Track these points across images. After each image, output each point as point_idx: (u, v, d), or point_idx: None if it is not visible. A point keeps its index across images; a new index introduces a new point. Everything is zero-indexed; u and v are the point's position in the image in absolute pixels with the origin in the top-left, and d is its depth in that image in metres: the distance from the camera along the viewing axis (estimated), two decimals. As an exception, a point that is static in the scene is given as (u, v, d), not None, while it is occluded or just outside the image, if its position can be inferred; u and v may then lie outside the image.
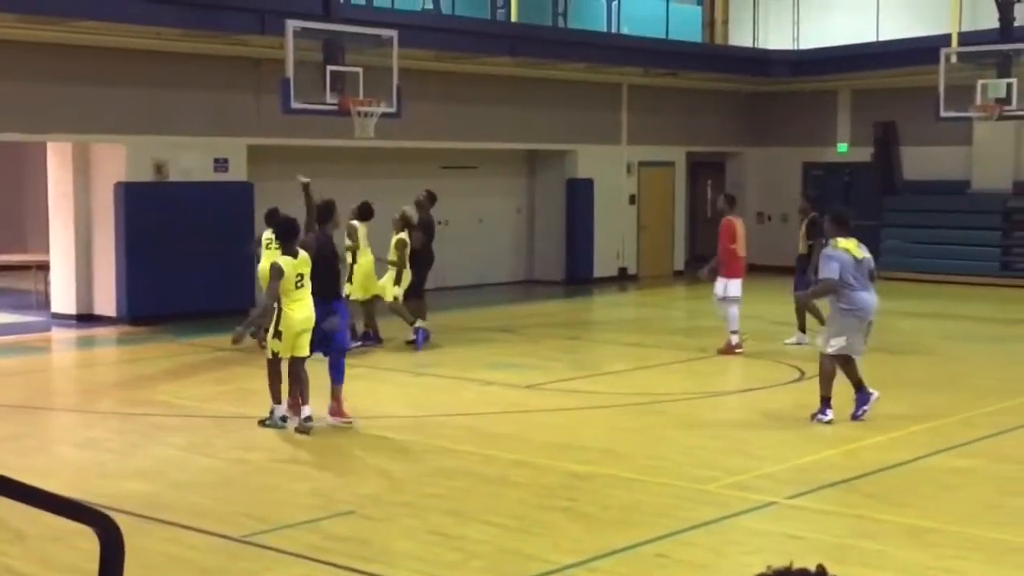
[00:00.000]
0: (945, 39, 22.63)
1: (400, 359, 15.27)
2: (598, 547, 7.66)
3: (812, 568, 1.85)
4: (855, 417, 11.48)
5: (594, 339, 18.35)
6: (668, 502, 8.77)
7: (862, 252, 11.64)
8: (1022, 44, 21.44)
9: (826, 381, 11.55)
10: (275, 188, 20.80)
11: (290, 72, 16.22)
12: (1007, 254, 25.20)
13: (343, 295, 12.40)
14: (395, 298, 16.07)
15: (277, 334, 10.97)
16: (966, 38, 22.54)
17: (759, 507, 8.64)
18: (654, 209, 26.85)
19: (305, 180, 12.32)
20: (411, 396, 13.24)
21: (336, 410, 11.31)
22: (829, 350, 11.56)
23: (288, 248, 11.04)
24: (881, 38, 26.23)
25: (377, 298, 16.17)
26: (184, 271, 18.78)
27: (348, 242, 15.80)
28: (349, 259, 15.65)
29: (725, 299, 16.01)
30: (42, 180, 20.10)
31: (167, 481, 9.38)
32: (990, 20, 22.57)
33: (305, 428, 10.92)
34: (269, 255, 15.55)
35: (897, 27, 25.91)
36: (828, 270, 11.46)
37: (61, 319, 18.89)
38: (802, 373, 14.38)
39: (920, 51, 23.14)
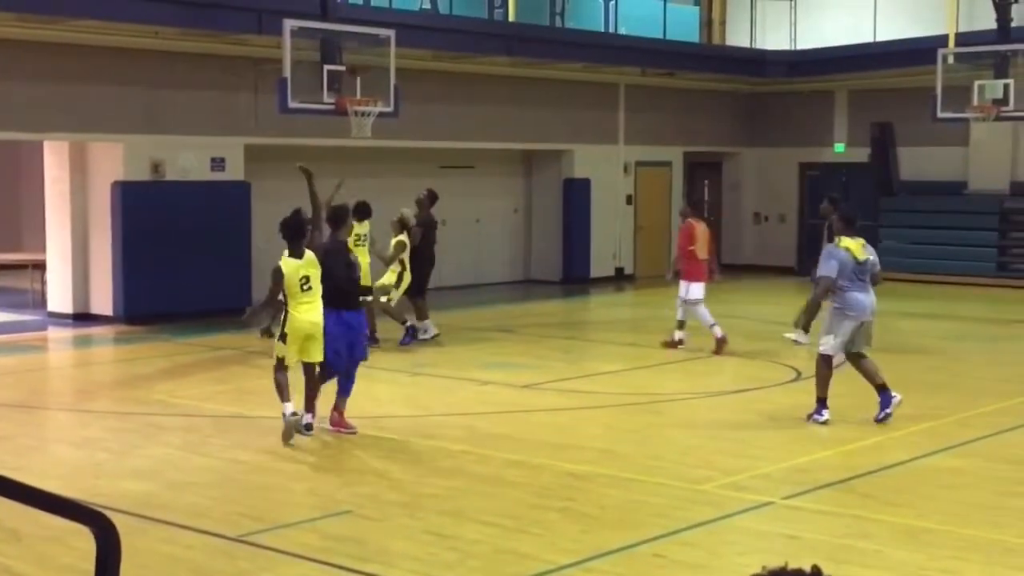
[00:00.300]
0: (942, 40, 22.66)
1: (397, 359, 15.27)
2: (595, 547, 7.66)
3: (807, 568, 1.85)
4: (877, 420, 11.39)
5: (591, 339, 18.35)
6: (665, 502, 8.78)
7: (866, 253, 11.57)
8: (1019, 45, 21.45)
9: (822, 382, 11.54)
10: (272, 188, 20.82)
11: (287, 72, 16.22)
12: (1003, 255, 25.23)
13: (355, 307, 11.50)
14: (389, 299, 16.05)
15: (283, 337, 10.63)
16: (963, 39, 22.57)
17: (756, 507, 8.64)
18: (651, 209, 26.86)
19: (306, 168, 11.60)
20: (408, 396, 13.24)
21: (338, 420, 11.00)
22: (820, 350, 11.59)
23: (294, 249, 10.65)
24: (878, 39, 26.24)
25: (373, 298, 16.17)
26: (181, 270, 18.77)
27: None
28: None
29: (686, 302, 16.20)
30: (39, 179, 20.09)
31: (164, 481, 9.37)
32: (987, 21, 22.58)
33: (296, 425, 10.51)
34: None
35: (894, 28, 25.92)
36: (826, 268, 11.44)
37: (57, 318, 18.88)
38: (798, 373, 14.39)
39: (917, 52, 23.16)
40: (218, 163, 19.52)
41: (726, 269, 28.64)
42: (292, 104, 16.39)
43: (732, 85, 27.96)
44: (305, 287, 10.55)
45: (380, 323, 16.36)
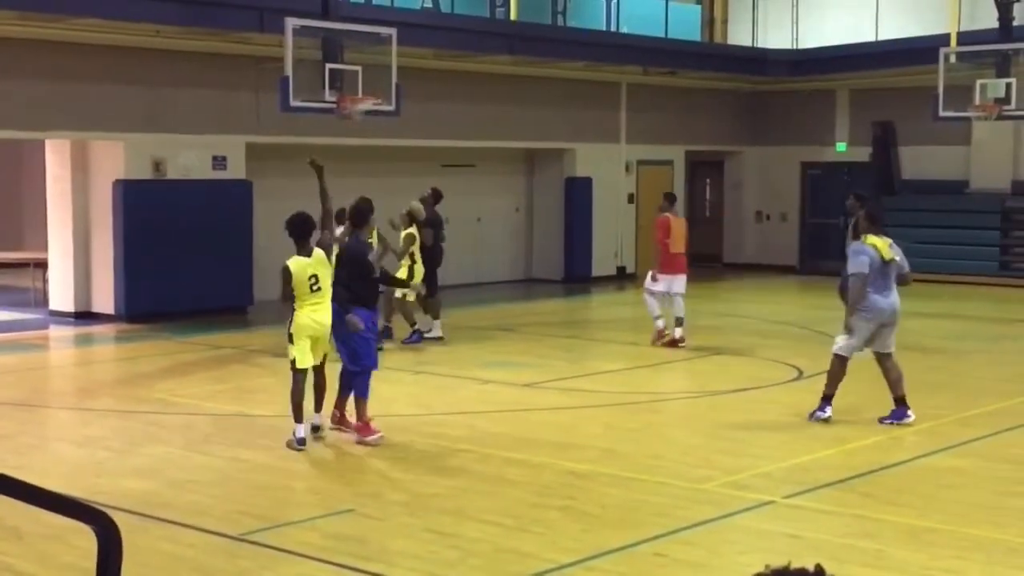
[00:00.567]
0: (944, 39, 22.64)
1: (398, 358, 15.26)
2: (596, 546, 7.66)
3: (810, 568, 1.85)
4: (881, 421, 11.35)
5: (592, 338, 18.34)
6: (666, 501, 8.77)
7: (892, 253, 11.32)
8: (1021, 44, 21.44)
9: (833, 379, 11.41)
10: (274, 186, 20.84)
11: (289, 70, 16.23)
12: (1005, 254, 25.22)
13: (373, 308, 11.16)
14: (403, 296, 16.04)
15: (290, 338, 10.37)
16: (965, 38, 22.55)
17: (757, 506, 8.64)
18: (653, 208, 26.77)
19: (317, 163, 11.19)
20: (409, 395, 13.23)
21: (340, 419, 10.89)
22: (834, 349, 11.45)
23: (301, 247, 10.39)
24: (880, 38, 26.24)
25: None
26: (182, 269, 18.77)
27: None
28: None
29: (668, 294, 16.44)
30: (40, 177, 20.10)
31: (165, 479, 9.37)
32: (989, 20, 22.57)
33: (301, 441, 10.24)
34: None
35: (896, 27, 25.91)
36: (857, 264, 11.20)
37: (59, 317, 18.89)
38: (800, 372, 14.38)
39: (919, 51, 23.16)
40: (219, 162, 19.52)
41: (728, 268, 28.76)
42: (294, 103, 16.39)
43: (734, 84, 27.96)
44: (314, 287, 10.26)
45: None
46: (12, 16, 16.68)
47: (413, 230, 16.03)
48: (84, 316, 18.76)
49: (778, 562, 1.88)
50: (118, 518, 2.40)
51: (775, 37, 28.32)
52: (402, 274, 15.65)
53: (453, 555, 7.51)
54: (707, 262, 29.14)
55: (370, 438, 10.47)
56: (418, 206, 16.38)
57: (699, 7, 28.50)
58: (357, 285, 10.65)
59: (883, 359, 11.49)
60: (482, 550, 7.63)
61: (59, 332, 18.07)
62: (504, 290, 24.12)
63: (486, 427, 11.32)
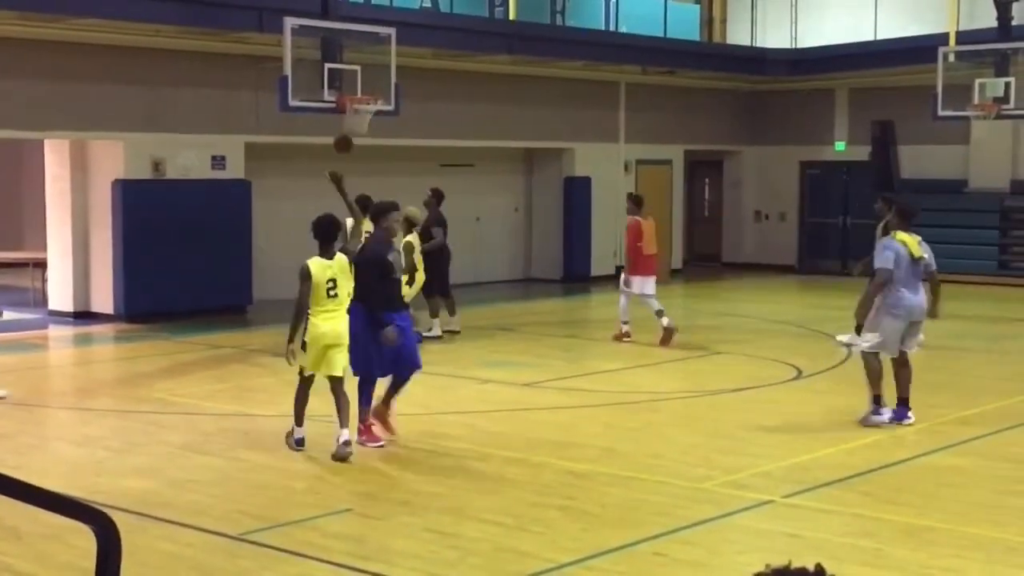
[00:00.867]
0: (943, 38, 22.65)
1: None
2: (596, 545, 7.66)
3: (810, 567, 1.85)
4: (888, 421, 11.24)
5: (591, 337, 18.33)
6: (666, 500, 8.77)
7: (921, 251, 11.13)
8: (1020, 43, 21.44)
9: (875, 379, 11.18)
10: (273, 186, 20.85)
11: (288, 70, 16.23)
12: (1004, 253, 25.22)
13: (401, 308, 10.69)
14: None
15: (303, 345, 10.00)
16: (964, 37, 22.56)
17: (756, 505, 8.64)
18: (651, 208, 26.72)
19: (335, 174, 10.75)
20: (408, 394, 13.21)
21: (370, 428, 10.51)
22: (864, 347, 11.22)
23: (324, 250, 10.04)
24: (879, 37, 26.24)
25: None
26: (182, 269, 18.77)
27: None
28: None
29: (642, 295, 16.66)
30: (39, 177, 20.10)
31: (165, 479, 9.37)
32: (988, 19, 22.57)
33: (343, 454, 9.83)
34: None
35: (895, 26, 25.92)
36: (883, 259, 11.02)
37: (58, 316, 18.89)
38: (799, 371, 14.38)
39: (918, 50, 23.16)
40: (219, 161, 19.52)
41: (727, 267, 28.77)
42: (293, 102, 16.39)
43: (733, 83, 27.96)
44: (331, 292, 9.90)
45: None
46: (12, 16, 16.68)
47: (412, 237, 15.82)
48: (83, 316, 18.76)
49: (778, 561, 1.88)
50: (117, 518, 2.40)
51: (774, 36, 28.33)
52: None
53: (453, 555, 7.51)
54: (706, 262, 29.17)
55: (371, 444, 10.39)
56: (415, 211, 16.34)
57: (698, 7, 28.51)
58: (379, 287, 10.29)
59: (899, 361, 11.34)
60: (482, 549, 7.63)
61: (58, 332, 18.07)
62: (503, 290, 24.12)
63: (485, 426, 11.32)
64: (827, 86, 27.45)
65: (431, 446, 10.47)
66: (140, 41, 18.29)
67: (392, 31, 17.41)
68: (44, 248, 19.75)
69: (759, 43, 28.34)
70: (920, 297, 11.25)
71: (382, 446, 10.33)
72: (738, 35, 28.90)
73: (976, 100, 21.41)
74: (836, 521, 8.29)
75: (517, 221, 25.72)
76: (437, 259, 16.48)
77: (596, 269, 25.55)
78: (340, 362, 10.02)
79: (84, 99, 18.03)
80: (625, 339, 16.68)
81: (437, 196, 17.21)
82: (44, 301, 19.68)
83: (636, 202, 17.25)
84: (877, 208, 16.39)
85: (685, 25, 26.99)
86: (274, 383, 13.84)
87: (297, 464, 9.93)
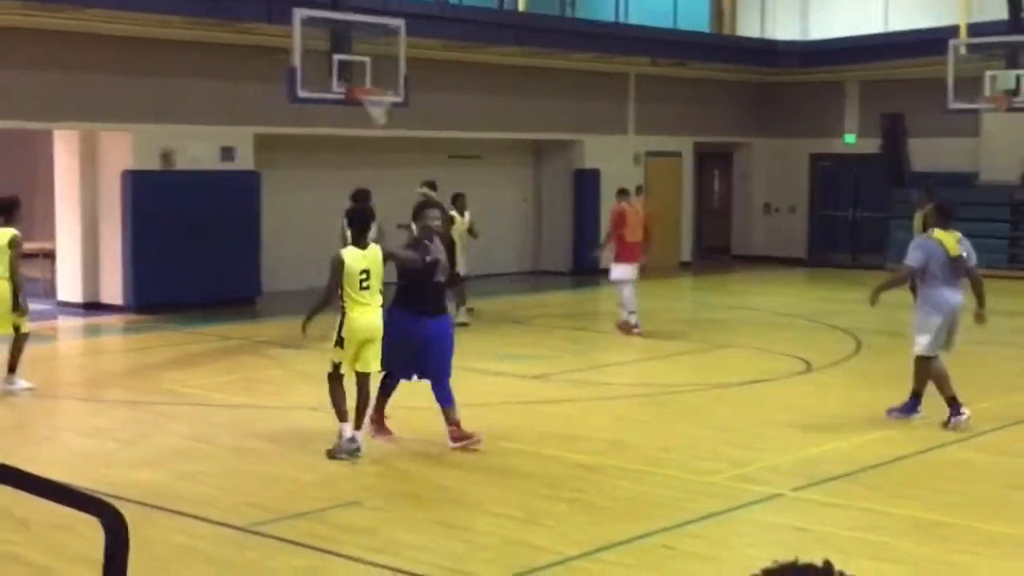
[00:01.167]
0: (953, 30, 22.56)
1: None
2: (605, 538, 7.66)
3: (818, 562, 1.84)
4: (890, 413, 11.16)
5: (601, 330, 18.31)
6: (674, 494, 8.77)
7: (960, 249, 10.95)
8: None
9: (939, 382, 10.95)
10: (282, 177, 20.86)
11: (297, 61, 16.21)
12: (1015, 246, 25.14)
13: (439, 312, 10.27)
14: None
15: (339, 341, 9.69)
16: (974, 29, 22.47)
17: (765, 499, 8.63)
18: (661, 200, 26.75)
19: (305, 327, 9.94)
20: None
21: (457, 434, 10.05)
22: (919, 351, 11.02)
23: (358, 240, 9.78)
24: (889, 29, 26.16)
25: None
26: (191, 260, 18.79)
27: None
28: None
29: (616, 282, 16.87)
30: (49, 168, 20.11)
31: (173, 470, 9.38)
32: (999, 11, 22.47)
33: (349, 450, 9.63)
34: None
35: (905, 18, 25.84)
36: (910, 258, 10.89)
37: (67, 307, 18.92)
38: (808, 365, 14.36)
39: (928, 42, 23.08)
40: (228, 153, 19.53)
41: (736, 260, 28.73)
42: (302, 94, 16.38)
43: (743, 75, 27.90)
44: (364, 284, 9.60)
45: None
46: (20, 6, 16.70)
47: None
48: (92, 307, 18.79)
49: (786, 556, 1.87)
50: (126, 509, 2.39)
51: (784, 28, 28.26)
52: None
53: (462, 547, 7.51)
54: (716, 254, 29.13)
55: (380, 438, 10.27)
56: (431, 194, 16.26)
57: (708, -2, 28.45)
58: (416, 290, 10.01)
59: (928, 364, 11.08)
60: (491, 542, 7.63)
61: (67, 323, 18.10)
62: (512, 282, 24.10)
63: (495, 419, 11.30)
64: (837, 78, 27.38)
65: (440, 439, 10.46)
66: (149, 32, 18.30)
67: (401, 22, 17.39)
68: (53, 239, 19.78)
69: (769, 35, 28.28)
70: (959, 296, 11.01)
71: (395, 441, 10.25)
72: (748, 27, 28.83)
73: (987, 93, 21.33)
74: (844, 515, 8.27)
75: (526, 213, 25.69)
76: (449, 250, 16.43)
77: (605, 262, 25.44)
78: (373, 358, 9.77)
79: (93, 90, 18.04)
80: (634, 331, 16.58)
81: (432, 187, 17.17)
82: (53, 292, 19.70)
83: (620, 192, 17.56)
84: (916, 199, 16.29)
85: (695, 17, 26.95)
86: (283, 375, 13.86)
87: (306, 456, 9.93)
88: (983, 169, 25.60)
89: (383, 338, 9.88)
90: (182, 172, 18.92)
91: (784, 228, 28.68)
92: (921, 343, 10.98)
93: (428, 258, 10.01)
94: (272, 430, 10.84)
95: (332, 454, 9.68)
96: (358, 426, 9.81)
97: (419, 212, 10.43)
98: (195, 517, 8.11)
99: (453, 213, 17.64)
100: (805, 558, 1.85)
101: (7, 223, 12.49)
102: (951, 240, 10.97)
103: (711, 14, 28.52)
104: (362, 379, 9.80)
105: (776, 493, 8.76)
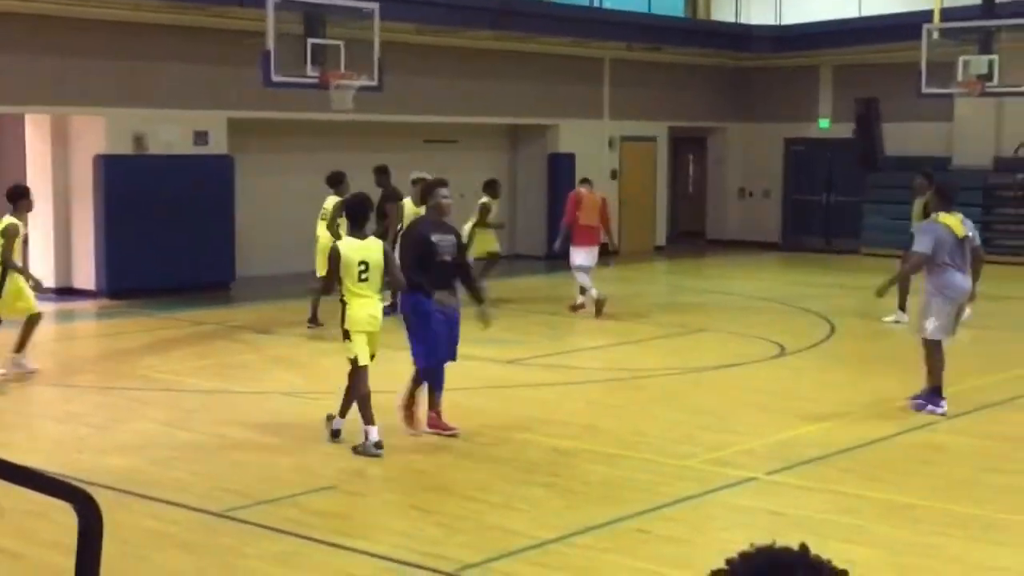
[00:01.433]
0: (927, 15, 22.62)
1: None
2: (580, 522, 7.67)
3: (795, 546, 1.84)
4: (913, 400, 10.95)
5: (575, 314, 18.33)
6: (649, 478, 8.79)
7: (966, 230, 10.89)
8: (1004, 20, 21.44)
9: (937, 369, 10.80)
10: (257, 162, 20.77)
11: (271, 45, 16.13)
12: (987, 230, 25.20)
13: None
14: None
15: (345, 334, 9.48)
16: (948, 14, 22.53)
17: (739, 483, 8.66)
18: (636, 184, 26.84)
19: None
20: (391, 372, 13.19)
21: (435, 422, 10.01)
22: (925, 335, 10.85)
23: (356, 230, 9.57)
24: (863, 14, 26.22)
25: None
26: (164, 245, 18.71)
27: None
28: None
29: (575, 267, 17.30)
30: (20, 152, 19.96)
31: (147, 456, 9.35)
32: (972, -4, 22.57)
33: (372, 452, 9.28)
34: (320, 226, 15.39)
35: (879, 3, 25.91)
36: (920, 244, 10.77)
37: (39, 293, 18.75)
38: (782, 349, 14.41)
39: (902, 27, 23.15)
40: (201, 137, 19.43)
41: (711, 244, 28.79)
42: (276, 78, 16.30)
43: (717, 60, 27.92)
44: (363, 276, 9.37)
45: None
46: (-9, -11, 16.57)
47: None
48: (65, 292, 18.67)
49: (760, 539, 1.87)
50: (100, 495, 2.38)
51: (758, 13, 28.29)
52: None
53: (437, 532, 7.51)
54: (690, 238, 29.19)
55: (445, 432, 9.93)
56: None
57: (683, -17, 28.44)
58: (422, 270, 9.75)
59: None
60: (466, 527, 7.63)
61: (40, 308, 17.93)
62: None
63: (470, 403, 11.30)
64: (811, 63, 27.44)
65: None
66: (122, 15, 18.17)
67: (376, 6, 17.31)
68: (25, 223, 19.60)
69: (743, 20, 28.31)
70: (967, 277, 10.99)
71: (418, 434, 9.97)
72: (722, 12, 28.85)
73: (960, 78, 21.41)
74: (818, 498, 8.31)
75: (501, 198, 25.62)
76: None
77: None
78: (368, 349, 9.54)
79: (65, 74, 17.91)
80: (578, 310, 17.24)
81: (384, 172, 17.19)
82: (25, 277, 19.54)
83: (582, 180, 18.09)
84: (917, 184, 16.36)
85: (669, 1, 26.94)
86: (257, 360, 13.83)
87: (280, 441, 9.91)
88: (956, 154, 25.71)
89: (414, 335, 9.79)
90: (155, 156, 18.82)
91: (758, 212, 28.76)
92: (928, 327, 10.80)
93: (433, 237, 9.80)
94: (246, 415, 10.81)
95: (356, 450, 9.37)
96: (342, 415, 9.67)
97: (429, 191, 10.21)
98: (169, 503, 8.09)
99: (486, 199, 18.57)
100: (781, 542, 1.86)
101: (14, 212, 12.68)
102: (956, 222, 10.89)
103: (686, -1, 28.54)
104: (355, 367, 9.58)
105: (750, 477, 8.79)
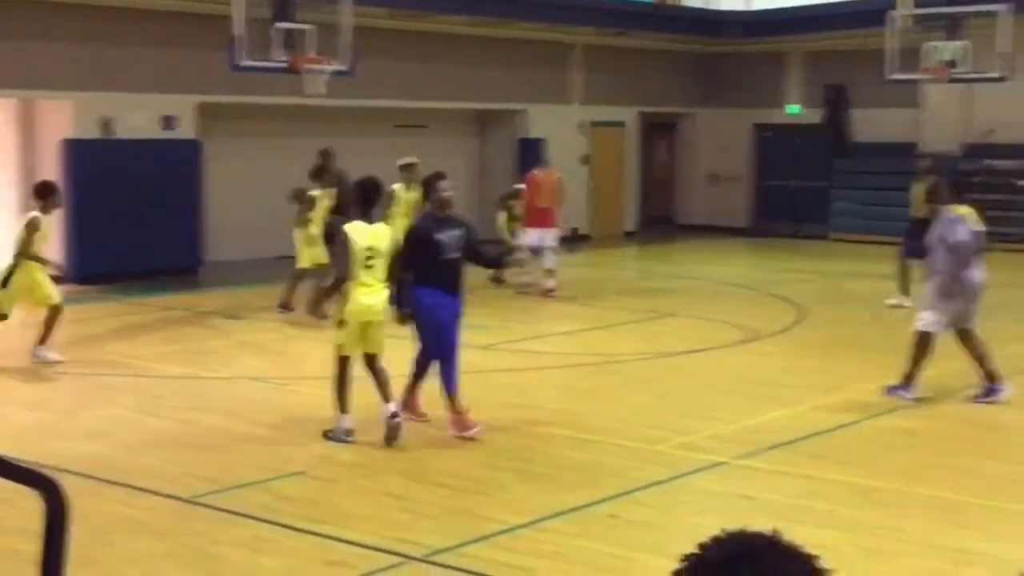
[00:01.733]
0: (894, 1, 22.70)
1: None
2: (550, 507, 7.69)
3: (765, 531, 1.85)
4: (976, 399, 10.74)
5: (546, 299, 18.34)
6: (620, 462, 8.82)
7: (979, 223, 10.76)
8: (970, 7, 21.54)
9: (917, 358, 10.69)
10: (225, 146, 20.66)
11: (239, 29, 16.01)
12: (955, 216, 25.40)
13: (452, 291, 9.74)
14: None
15: (341, 322, 9.20)
16: (916, 0, 22.61)
17: (709, 467, 8.71)
18: (606, 169, 26.85)
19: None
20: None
21: (456, 421, 9.56)
22: (919, 326, 10.74)
23: (365, 214, 9.22)
24: (831, 0, 26.28)
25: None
26: (132, 230, 18.60)
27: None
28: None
29: (539, 249, 17.63)
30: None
31: (116, 442, 9.31)
32: (940, -17, 22.64)
33: (393, 430, 9.11)
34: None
35: (848, -12, 25.96)
36: (959, 234, 10.49)
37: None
38: (750, 334, 14.47)
39: (870, 13, 23.18)
40: (169, 121, 19.31)
41: (680, 229, 28.84)
42: (244, 62, 16.19)
43: (687, 46, 27.94)
44: (368, 263, 9.06)
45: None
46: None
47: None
48: (32, 278, 18.51)
49: (731, 523, 1.88)
50: (68, 481, 2.37)
51: (728, -1, 28.33)
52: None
53: (406, 517, 7.51)
54: (660, 224, 29.23)
55: (467, 432, 9.44)
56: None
57: (652, -32, 28.40)
58: (424, 267, 9.40)
59: (968, 335, 10.82)
60: (436, 512, 7.64)
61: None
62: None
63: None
64: (780, 49, 27.50)
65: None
66: (88, -1, 18.03)
67: (347, -11, 17.24)
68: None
69: (713, 6, 28.31)
70: (984, 273, 10.82)
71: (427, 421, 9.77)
72: (692, -3, 28.86)
73: (927, 64, 21.51)
74: (787, 482, 8.36)
75: (471, 181, 25.62)
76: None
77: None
78: (379, 339, 9.28)
79: (31, 57, 17.75)
80: (546, 292, 17.40)
81: (325, 155, 16.90)
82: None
83: (537, 161, 18.62)
84: (923, 166, 16.51)
85: (639, -13, 26.92)
86: (226, 345, 13.79)
87: (250, 427, 9.88)
88: (924, 139, 25.83)
89: (427, 330, 9.51)
90: (122, 141, 18.68)
91: (728, 198, 28.82)
92: (927, 319, 10.68)
93: (438, 234, 9.42)
94: (215, 401, 10.78)
95: (327, 435, 9.28)
96: (387, 399, 9.23)
97: (430, 184, 9.91)
98: (138, 489, 8.06)
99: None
100: (751, 526, 1.87)
101: (44, 208, 12.67)
102: (971, 214, 10.79)
103: (655, -16, 28.50)
104: (371, 360, 9.32)
105: (720, 461, 8.83)
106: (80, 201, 18.18)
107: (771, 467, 8.74)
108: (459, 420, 9.49)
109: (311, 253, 15.19)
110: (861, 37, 24.45)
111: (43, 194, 12.87)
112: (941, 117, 25.50)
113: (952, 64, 21.35)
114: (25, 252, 12.42)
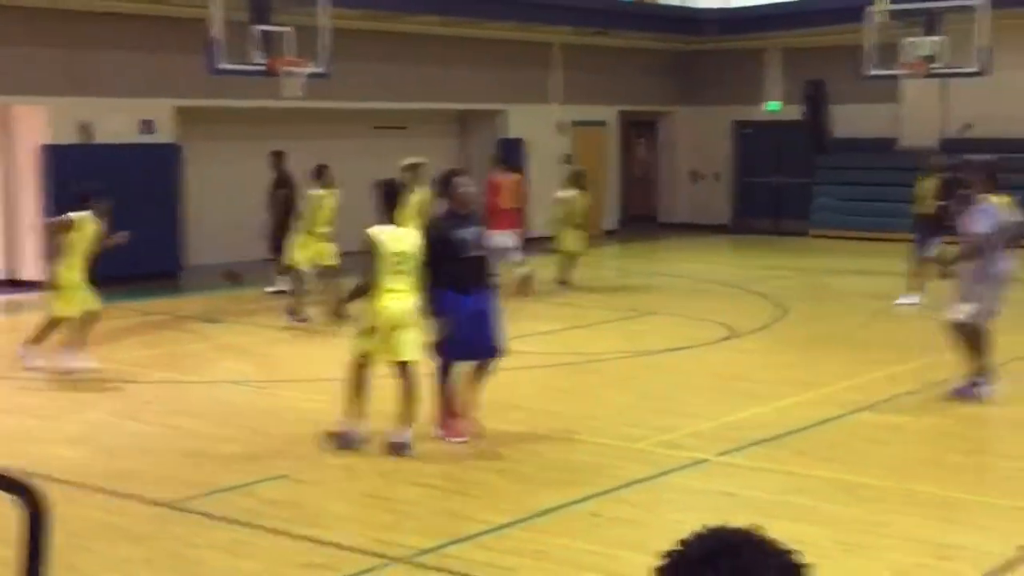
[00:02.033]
0: (873, -3, 22.80)
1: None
2: (533, 506, 7.68)
3: (746, 527, 1.85)
4: (956, 391, 10.66)
5: (526, 298, 18.34)
6: (602, 461, 8.81)
7: (1015, 213, 10.62)
8: (948, 2, 21.63)
9: (982, 349, 10.53)
10: (204, 150, 20.61)
11: (216, 32, 15.99)
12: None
13: (475, 288, 9.28)
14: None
15: (368, 329, 8.88)
16: (894, -4, 22.72)
17: (691, 464, 8.71)
18: (586, 169, 26.81)
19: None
20: (341, 357, 13.17)
21: (450, 424, 9.41)
22: (959, 318, 10.56)
23: (389, 217, 8.95)
24: (810, -4, 26.37)
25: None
26: (111, 234, 18.49)
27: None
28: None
29: (500, 250, 17.00)
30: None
31: (96, 447, 9.27)
32: (917, -21, 22.72)
33: (397, 449, 8.84)
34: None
35: (826, -15, 26.03)
36: (982, 225, 10.31)
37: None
38: (731, 331, 14.49)
39: (848, 9, 23.27)
40: (147, 125, 19.24)
41: (662, 227, 28.89)
42: (222, 65, 16.16)
43: (666, 44, 27.99)
44: (397, 267, 8.74)
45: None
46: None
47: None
48: (11, 284, 18.46)
49: (713, 520, 1.88)
50: (49, 487, 2.35)
51: (706, -5, 28.39)
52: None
53: (389, 518, 7.50)
54: (641, 222, 29.28)
55: (455, 439, 9.25)
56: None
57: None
58: (448, 267, 9.06)
59: (979, 336, 10.62)
60: (419, 512, 7.63)
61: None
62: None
63: (423, 389, 11.27)
64: (759, 46, 27.57)
65: (368, 410, 10.41)
66: (64, 2, 17.95)
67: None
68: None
69: (691, 3, 28.37)
70: (1013, 261, 10.72)
71: (464, 442, 9.27)
72: (670, -5, 28.90)
73: (905, 59, 21.59)
74: (770, 479, 8.37)
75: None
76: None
77: (531, 231, 25.48)
78: (409, 345, 8.88)
79: (7, 62, 17.67)
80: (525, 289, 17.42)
81: (277, 156, 17.25)
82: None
83: (494, 161, 18.87)
84: (933, 162, 16.59)
85: (617, -15, 26.94)
86: (205, 349, 13.76)
87: (231, 431, 9.85)
88: (903, 135, 25.95)
89: (445, 326, 9.12)
90: (101, 146, 18.62)
91: (709, 196, 28.89)
92: (968, 311, 10.47)
93: (459, 232, 9.16)
94: (196, 405, 10.74)
95: (334, 440, 9.03)
96: (406, 420, 8.91)
97: (447, 181, 9.61)
98: (119, 494, 8.02)
99: (572, 192, 18.65)
100: (732, 522, 1.87)
101: (94, 212, 12.99)
102: (1007, 203, 10.66)
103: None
104: (402, 368, 8.96)
105: (702, 459, 8.84)
106: (59, 207, 18.05)
107: (753, 464, 8.75)
108: (455, 424, 9.33)
109: (312, 253, 15.13)
110: (839, 33, 24.53)
111: (85, 198, 13.13)
112: (919, 112, 25.62)
113: (930, 59, 21.45)
114: (66, 254, 12.64)
